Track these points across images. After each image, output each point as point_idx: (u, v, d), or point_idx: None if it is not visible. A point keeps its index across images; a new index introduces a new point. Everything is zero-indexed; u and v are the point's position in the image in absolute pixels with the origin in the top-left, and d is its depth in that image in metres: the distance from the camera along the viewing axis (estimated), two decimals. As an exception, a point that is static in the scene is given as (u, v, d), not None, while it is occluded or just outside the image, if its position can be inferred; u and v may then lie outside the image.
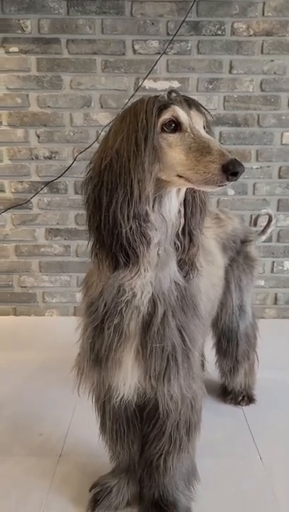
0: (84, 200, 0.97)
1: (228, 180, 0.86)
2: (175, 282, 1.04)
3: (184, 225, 1.01)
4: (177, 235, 1.01)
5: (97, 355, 1.05)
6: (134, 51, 2.53)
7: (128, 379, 1.05)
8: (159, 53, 2.51)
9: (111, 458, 1.29)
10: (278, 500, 1.30)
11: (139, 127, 0.89)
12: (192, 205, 1.01)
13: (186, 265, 1.04)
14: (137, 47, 2.52)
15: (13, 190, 2.69)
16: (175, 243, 1.02)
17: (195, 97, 2.40)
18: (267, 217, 1.79)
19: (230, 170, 0.84)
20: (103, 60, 2.54)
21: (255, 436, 1.60)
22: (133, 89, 2.55)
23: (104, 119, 2.60)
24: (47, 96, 2.58)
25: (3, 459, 1.48)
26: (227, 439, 1.60)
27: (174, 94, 0.94)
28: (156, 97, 0.92)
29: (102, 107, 2.59)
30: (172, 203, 0.98)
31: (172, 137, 0.91)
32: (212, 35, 2.51)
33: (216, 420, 1.70)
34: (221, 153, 0.86)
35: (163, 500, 1.20)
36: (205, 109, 0.97)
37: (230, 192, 2.68)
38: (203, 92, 2.57)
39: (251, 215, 1.99)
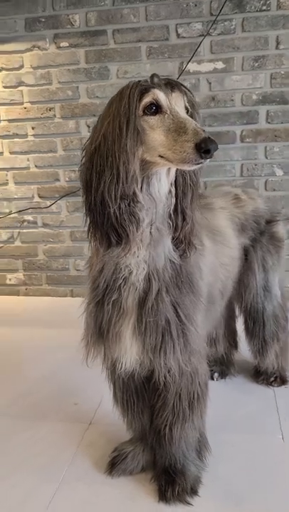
0: (80, 183, 1.04)
1: (202, 158, 0.89)
2: (170, 260, 1.08)
3: (176, 204, 1.05)
4: (170, 215, 1.06)
5: (99, 328, 1.13)
6: (178, 35, 2.54)
7: (128, 351, 1.12)
8: (203, 35, 2.50)
9: (127, 426, 1.37)
10: (291, 479, 1.31)
11: (122, 111, 0.94)
12: (183, 185, 1.05)
13: (183, 244, 1.08)
14: (180, 30, 2.54)
15: (67, 178, 2.85)
16: (169, 222, 1.06)
17: (240, 76, 2.41)
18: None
19: (203, 148, 0.87)
20: (148, 47, 2.59)
21: (281, 416, 1.60)
22: (177, 73, 2.58)
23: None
24: (95, 87, 2.69)
25: (40, 423, 1.63)
26: (252, 417, 1.61)
27: (155, 79, 0.98)
28: (138, 81, 0.97)
29: (147, 93, 2.64)
30: (162, 184, 1.03)
31: (153, 119, 0.95)
32: (257, 11, 2.45)
33: (243, 398, 1.73)
34: (195, 132, 0.89)
35: (172, 468, 1.27)
36: (187, 89, 1.00)
37: (279, 172, 2.62)
38: (248, 70, 2.52)
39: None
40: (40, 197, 2.93)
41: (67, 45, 2.67)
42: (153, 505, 1.23)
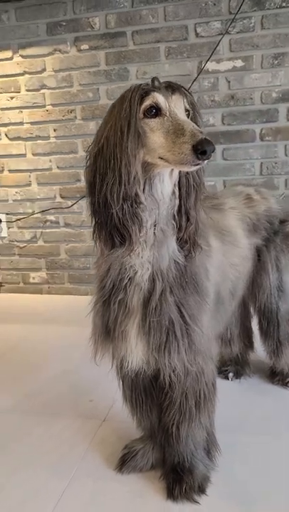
0: (85, 185, 1.06)
1: (199, 160, 0.90)
2: (174, 261, 1.09)
3: (180, 205, 1.06)
4: (174, 215, 1.07)
5: (106, 327, 1.15)
6: (197, 34, 2.54)
7: (133, 351, 1.14)
8: (222, 34, 2.49)
9: (136, 424, 1.39)
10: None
11: (123, 115, 0.96)
12: (186, 185, 1.06)
13: (187, 244, 1.09)
14: (199, 30, 2.54)
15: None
16: (173, 223, 1.07)
17: (259, 74, 2.39)
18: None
19: (199, 149, 0.89)
20: (166, 47, 2.60)
21: (295, 418, 1.59)
22: (196, 72, 2.58)
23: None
24: (115, 88, 2.72)
25: (55, 419, 1.67)
26: (267, 418, 1.61)
27: (156, 82, 0.99)
28: (139, 85, 0.99)
29: (166, 93, 2.65)
30: (165, 185, 1.04)
31: (153, 122, 0.97)
32: (277, 7, 2.42)
33: (258, 399, 1.72)
34: (192, 133, 0.91)
35: (180, 466, 1.28)
36: (187, 91, 1.01)
37: (301, 171, 2.58)
38: (268, 68, 2.50)
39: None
40: (62, 197, 2.98)
41: (88, 47, 2.71)
42: (161, 503, 1.24)
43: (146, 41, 2.62)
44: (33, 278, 3.17)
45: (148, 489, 1.30)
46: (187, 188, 1.06)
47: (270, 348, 1.72)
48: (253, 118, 2.58)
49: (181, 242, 1.10)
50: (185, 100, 0.99)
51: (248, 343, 1.89)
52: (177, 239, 1.09)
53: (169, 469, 1.30)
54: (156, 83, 0.99)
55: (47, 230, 3.07)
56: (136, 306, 1.12)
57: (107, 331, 1.16)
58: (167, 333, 1.10)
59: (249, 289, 1.63)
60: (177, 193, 1.06)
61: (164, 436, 1.30)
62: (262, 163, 2.64)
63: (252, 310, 1.78)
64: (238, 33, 2.49)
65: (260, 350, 1.87)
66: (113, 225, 1.00)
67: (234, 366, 1.88)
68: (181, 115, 0.96)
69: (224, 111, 2.60)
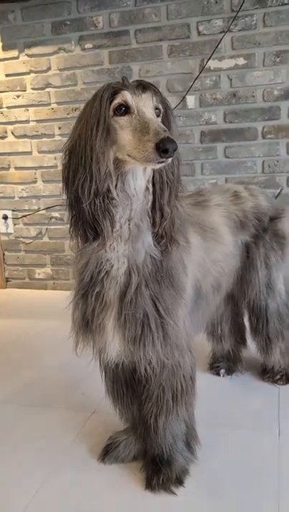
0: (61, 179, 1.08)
1: (162, 158, 0.93)
2: (150, 256, 1.11)
3: (154, 201, 1.08)
4: (148, 211, 1.09)
5: (85, 320, 1.18)
6: (199, 32, 2.55)
7: (111, 343, 1.16)
8: (224, 32, 2.49)
9: (119, 416, 1.42)
10: (280, 476, 1.30)
11: (93, 112, 0.99)
12: (160, 182, 1.07)
13: (164, 239, 1.11)
14: (201, 28, 2.54)
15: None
16: (147, 219, 1.09)
17: (261, 72, 2.39)
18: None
19: (161, 147, 0.91)
20: (169, 46, 2.62)
21: (281, 414, 1.60)
22: (198, 70, 2.58)
23: (171, 103, 2.67)
24: (118, 86, 2.74)
25: (45, 410, 1.71)
26: (251, 413, 1.62)
27: (125, 81, 1.02)
28: (110, 84, 1.01)
29: (169, 91, 2.67)
30: (138, 181, 1.06)
31: (122, 120, 0.99)
32: (279, 5, 2.41)
33: (247, 395, 1.73)
34: (156, 132, 0.93)
35: (160, 457, 1.30)
36: (157, 90, 1.03)
37: (302, 168, 2.57)
38: (270, 66, 2.49)
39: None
40: (66, 194, 3.02)
41: (92, 46, 2.74)
42: (138, 493, 1.27)
43: (149, 40, 2.63)
44: (39, 274, 3.23)
45: (128, 479, 1.33)
46: (161, 185, 1.07)
47: (260, 345, 1.73)
48: (255, 116, 2.58)
49: (158, 238, 1.11)
50: (155, 99, 1.01)
51: (240, 340, 1.90)
52: (153, 234, 1.11)
53: (149, 460, 1.33)
54: (126, 82, 1.01)
55: (52, 227, 3.12)
56: (112, 299, 1.14)
57: (86, 323, 1.18)
58: (142, 326, 1.12)
59: (238, 286, 1.64)
60: (151, 189, 1.08)
61: (144, 428, 1.32)
62: (264, 161, 2.63)
63: (243, 306, 1.79)
64: (240, 30, 2.49)
65: (253, 347, 1.88)
66: (85, 220, 1.03)
67: (226, 362, 1.89)
68: (149, 114, 0.98)
69: (226, 109, 2.61)
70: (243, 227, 1.51)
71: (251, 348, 1.90)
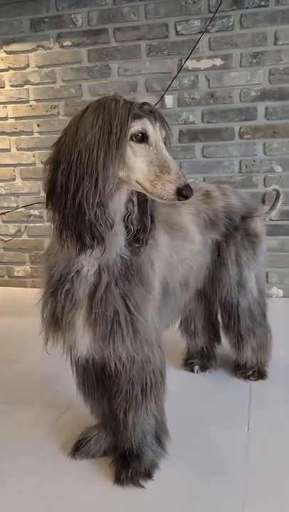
0: (46, 180, 1.05)
1: (179, 200, 0.99)
2: (120, 256, 1.14)
3: (145, 210, 1.13)
4: (140, 219, 1.13)
5: (54, 317, 1.19)
6: (177, 32, 2.57)
7: (80, 340, 1.18)
8: (201, 32, 2.51)
9: (90, 411, 1.43)
10: (248, 470, 1.33)
11: (112, 131, 0.97)
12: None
13: (143, 243, 1.14)
14: (179, 28, 2.56)
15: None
16: (127, 226, 1.13)
17: (238, 73, 2.42)
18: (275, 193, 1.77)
19: (184, 194, 0.97)
20: (147, 45, 2.63)
21: (252, 409, 1.63)
22: (176, 70, 2.60)
23: (150, 102, 2.69)
24: (97, 84, 2.76)
25: (19, 406, 1.72)
26: (223, 409, 1.64)
27: (146, 107, 1.02)
28: (130, 103, 1.01)
29: (147, 90, 2.69)
30: (122, 195, 1.09)
31: (138, 147, 1.01)
32: (255, 6, 2.45)
33: (219, 391, 1.76)
34: (178, 176, 0.98)
35: (129, 452, 1.31)
36: (167, 123, 1.06)
37: (278, 169, 2.61)
38: (247, 67, 2.52)
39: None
40: (45, 192, 3.01)
41: (70, 44, 2.74)
42: (107, 487, 1.29)
43: (128, 38, 2.64)
44: (18, 272, 3.22)
45: (98, 474, 1.34)
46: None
47: (232, 342, 1.77)
48: (232, 116, 2.61)
49: (135, 241, 1.14)
50: (165, 131, 1.04)
51: (214, 337, 1.92)
52: (138, 240, 1.14)
53: (118, 455, 1.34)
54: (145, 107, 1.02)
55: (31, 225, 3.11)
56: (82, 298, 1.16)
57: (56, 320, 1.19)
58: (112, 323, 1.14)
59: (210, 284, 1.66)
60: (135, 200, 1.11)
61: (114, 423, 1.34)
62: (241, 161, 2.67)
63: (216, 304, 1.81)
64: (217, 31, 2.51)
65: (227, 344, 1.91)
66: (85, 228, 1.01)
67: (200, 359, 1.92)
68: (164, 149, 1.02)
69: (204, 109, 2.63)
70: (213, 226, 1.54)
71: (225, 344, 1.93)
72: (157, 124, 1.02)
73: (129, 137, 0.99)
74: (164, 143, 1.04)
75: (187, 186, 0.98)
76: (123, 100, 1.01)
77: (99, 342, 1.16)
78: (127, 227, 1.13)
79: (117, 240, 1.12)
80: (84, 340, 1.18)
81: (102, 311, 1.13)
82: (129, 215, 1.13)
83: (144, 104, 1.03)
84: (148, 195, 1.04)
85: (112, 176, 0.99)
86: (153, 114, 1.02)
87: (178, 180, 0.98)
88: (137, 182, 1.02)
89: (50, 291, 1.18)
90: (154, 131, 1.01)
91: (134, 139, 1.00)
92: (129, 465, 1.29)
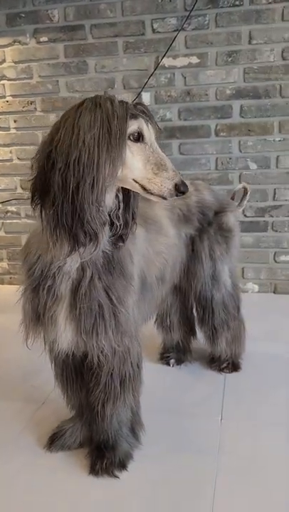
0: (34, 177, 1.04)
1: (177, 196, 1.03)
2: (102, 251, 1.16)
3: (127, 204, 1.16)
4: (122, 215, 1.16)
5: (36, 313, 1.20)
6: (153, 30, 2.59)
7: (62, 334, 1.20)
8: (178, 30, 2.54)
9: (67, 403, 1.45)
10: (219, 459, 1.36)
11: (112, 131, 0.98)
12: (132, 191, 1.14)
13: (122, 238, 1.17)
14: (155, 26, 2.58)
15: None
16: (112, 222, 1.14)
17: (214, 71, 2.44)
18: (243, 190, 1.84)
19: (181, 190, 1.02)
20: (124, 42, 2.64)
21: (225, 400, 1.67)
22: (153, 67, 2.62)
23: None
24: (74, 81, 2.75)
25: (-4, 402, 1.72)
26: (197, 400, 1.68)
27: (139, 106, 1.05)
28: (125, 103, 1.02)
29: (124, 87, 2.70)
30: (112, 193, 1.11)
31: (135, 146, 1.04)
32: (230, 6, 2.48)
33: (194, 384, 1.79)
34: (174, 172, 1.03)
35: (104, 443, 1.34)
36: (156, 123, 1.10)
37: (253, 166, 2.65)
38: (222, 65, 2.56)
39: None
40: (22, 188, 3.00)
41: (47, 39, 2.73)
42: (81, 478, 1.31)
43: (105, 35, 2.65)
44: (-5, 268, 3.19)
45: (73, 466, 1.36)
46: (134, 192, 1.14)
47: (207, 335, 1.80)
48: (208, 114, 2.64)
49: (118, 237, 1.16)
50: (156, 129, 1.08)
51: (189, 331, 1.95)
52: (122, 235, 1.16)
53: (94, 446, 1.37)
54: (139, 107, 1.05)
55: (8, 221, 3.09)
56: (64, 293, 1.17)
57: (37, 316, 1.20)
58: (96, 317, 1.16)
59: (185, 278, 1.69)
60: (121, 197, 1.14)
61: (90, 414, 1.36)
62: (217, 158, 2.70)
63: (191, 298, 1.84)
64: (193, 29, 2.54)
65: (202, 338, 1.94)
66: (81, 226, 1.02)
67: (176, 353, 1.95)
68: (158, 148, 1.06)
69: (180, 106, 2.66)
70: (186, 220, 1.57)
71: (200, 339, 1.96)
72: (150, 124, 1.06)
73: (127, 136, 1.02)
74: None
75: (183, 182, 1.03)
76: (117, 100, 1.03)
77: (82, 335, 1.18)
78: (112, 223, 1.15)
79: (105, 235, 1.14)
80: (65, 334, 1.20)
81: (88, 304, 1.15)
82: (114, 211, 1.15)
83: (138, 104, 1.07)
84: (142, 192, 1.07)
85: (112, 176, 1.01)
86: (146, 113, 1.06)
87: (175, 177, 1.03)
88: (134, 180, 1.06)
89: (32, 287, 1.19)
90: (148, 130, 1.05)
91: (132, 139, 1.04)
92: (104, 456, 1.31)
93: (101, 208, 1.04)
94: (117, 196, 1.14)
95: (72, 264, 1.14)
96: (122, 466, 1.32)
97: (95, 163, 0.98)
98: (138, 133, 1.04)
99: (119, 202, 1.15)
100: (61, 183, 0.99)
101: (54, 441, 1.42)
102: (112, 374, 1.27)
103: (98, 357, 1.22)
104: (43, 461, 1.38)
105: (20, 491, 1.28)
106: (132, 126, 1.02)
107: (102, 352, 1.21)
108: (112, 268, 1.18)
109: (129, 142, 1.03)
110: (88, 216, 1.01)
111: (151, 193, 1.06)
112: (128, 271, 1.22)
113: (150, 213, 1.42)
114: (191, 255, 1.63)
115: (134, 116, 1.03)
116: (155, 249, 1.41)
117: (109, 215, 1.14)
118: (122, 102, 1.03)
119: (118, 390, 1.28)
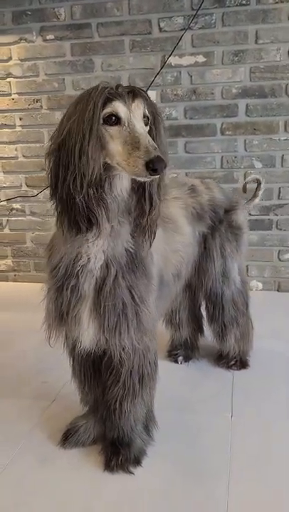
0: (47, 171, 1.07)
1: (151, 175, 0.97)
2: (126, 248, 1.17)
3: (144, 191, 1.11)
4: (137, 202, 1.13)
5: (59, 312, 1.21)
6: (160, 29, 2.60)
7: (85, 333, 1.21)
8: (184, 29, 2.55)
9: (81, 399, 1.46)
10: (232, 456, 1.38)
11: (86, 117, 0.99)
12: None
13: (146, 232, 1.15)
14: (162, 24, 2.59)
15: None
16: (134, 211, 1.13)
17: (220, 70, 2.45)
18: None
19: (151, 167, 0.95)
20: (131, 41, 2.65)
21: (234, 397, 1.68)
22: (160, 66, 2.63)
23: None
24: (80, 79, 2.76)
25: (5, 398, 1.73)
26: (206, 397, 1.69)
27: (119, 89, 1.03)
28: (104, 88, 1.01)
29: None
30: (123, 183, 1.10)
31: (113, 129, 1.01)
32: (237, 5, 2.49)
33: (202, 381, 1.81)
34: (146, 149, 0.96)
35: (119, 440, 1.35)
36: (148, 98, 1.06)
37: (258, 165, 2.67)
38: (228, 64, 2.57)
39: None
40: (28, 186, 3.01)
41: (53, 37, 2.73)
42: (96, 474, 1.32)
43: (111, 34, 2.65)
44: (-1, 266, 3.20)
45: (87, 462, 1.37)
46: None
47: (216, 332, 1.82)
48: (214, 113, 2.65)
49: (141, 230, 1.15)
50: (145, 106, 1.04)
51: (197, 328, 1.97)
52: (138, 226, 1.15)
53: (108, 443, 1.38)
54: (119, 89, 1.02)
55: (13, 219, 3.09)
56: (88, 291, 1.18)
57: (61, 315, 1.21)
58: (119, 315, 1.17)
59: (196, 276, 1.71)
60: (136, 188, 1.12)
61: (106, 411, 1.37)
62: (222, 156, 2.72)
63: (200, 295, 1.86)
64: (200, 28, 2.55)
65: (209, 335, 1.96)
66: (78, 211, 1.04)
67: (184, 350, 1.96)
68: (139, 126, 1.01)
69: (186, 105, 2.67)
70: (200, 218, 1.58)
71: (207, 336, 1.98)
72: (134, 102, 1.02)
73: (102, 121, 1.00)
74: (147, 119, 1.05)
75: (156, 158, 0.94)
76: (101, 86, 1.02)
77: (105, 333, 1.19)
78: (130, 213, 1.14)
79: (122, 230, 1.15)
80: (88, 333, 1.21)
81: (112, 302, 1.16)
82: (132, 200, 1.13)
83: (118, 86, 1.03)
84: (128, 175, 1.05)
85: (91, 162, 1.00)
86: (130, 92, 1.02)
87: (146, 154, 0.95)
88: (118, 164, 1.03)
89: (56, 286, 1.20)
90: (127, 111, 1.01)
91: (108, 122, 1.01)
92: (120, 452, 1.33)
93: (100, 190, 1.04)
94: (133, 188, 1.12)
95: (96, 261, 1.15)
96: (137, 462, 1.33)
97: (75, 150, 0.99)
98: (114, 116, 1.00)
99: (133, 192, 1.13)
100: (55, 172, 1.03)
101: (68, 437, 1.43)
102: (131, 372, 1.28)
103: (120, 355, 1.24)
104: (56, 458, 1.39)
105: (34, 487, 1.29)
106: (106, 109, 1.00)
107: (123, 350, 1.23)
108: (135, 267, 1.19)
109: (106, 127, 1.01)
110: (85, 198, 1.02)
111: (131, 174, 1.03)
112: (149, 270, 1.24)
113: (166, 212, 1.43)
114: (202, 253, 1.65)
115: (109, 100, 1.00)
116: (172, 248, 1.42)
117: (135, 206, 1.13)
118: (103, 87, 1.01)
119: (137, 388, 1.30)
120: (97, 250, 1.14)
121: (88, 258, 1.15)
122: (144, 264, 1.22)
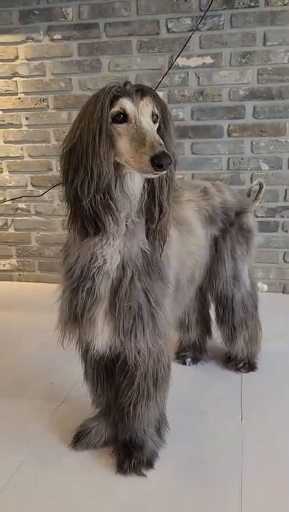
0: (60, 175, 1.09)
1: (156, 171, 0.96)
2: (142, 250, 1.16)
3: (153, 198, 1.11)
4: (146, 208, 1.12)
5: (74, 314, 1.21)
6: (168, 30, 2.59)
7: (100, 335, 1.21)
8: (192, 30, 2.54)
9: (92, 402, 1.46)
10: (243, 459, 1.38)
11: (95, 118, 0.99)
12: (159, 180, 1.09)
13: (157, 236, 1.15)
14: (170, 25, 2.58)
15: (59, 168, 2.91)
16: (144, 215, 1.13)
17: (228, 71, 2.45)
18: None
19: (156, 163, 0.94)
20: (138, 41, 2.64)
21: (244, 400, 1.68)
22: (167, 67, 2.63)
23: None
24: (87, 79, 2.75)
25: (15, 400, 1.73)
26: (215, 400, 1.69)
27: (127, 86, 1.03)
28: (111, 87, 1.02)
29: (138, 86, 2.70)
30: (135, 182, 1.09)
31: (121, 127, 1.02)
32: (245, 7, 2.48)
33: (211, 383, 1.81)
34: (151, 145, 0.96)
35: (132, 442, 1.36)
36: (156, 95, 1.05)
37: (265, 167, 2.67)
38: (236, 66, 2.57)
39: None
40: (33, 186, 3.00)
41: (61, 37, 2.72)
42: (108, 476, 1.32)
43: (119, 34, 2.65)
44: (4, 265, 3.19)
45: (98, 464, 1.38)
46: (160, 182, 1.10)
47: (226, 334, 1.82)
48: (221, 114, 2.65)
49: (151, 235, 1.15)
50: (154, 105, 1.03)
51: (206, 330, 1.97)
52: (148, 230, 1.14)
53: (120, 445, 1.38)
54: (127, 87, 1.03)
55: (18, 218, 3.09)
56: (103, 293, 1.18)
57: (75, 317, 1.21)
58: (134, 317, 1.17)
59: (207, 278, 1.71)
60: (148, 188, 1.11)
61: (118, 414, 1.37)
62: (229, 158, 2.72)
63: (209, 298, 1.86)
64: (208, 30, 2.55)
65: (218, 337, 1.96)
66: (85, 216, 1.04)
67: (192, 352, 1.96)
68: (146, 123, 1.01)
69: (193, 106, 2.67)
70: (212, 221, 1.58)
71: (216, 338, 1.98)
72: (142, 100, 1.02)
73: (111, 119, 1.01)
74: (156, 117, 1.04)
75: (160, 155, 0.94)
76: (109, 86, 1.02)
77: (120, 336, 1.19)
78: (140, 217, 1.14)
79: (138, 230, 1.14)
80: (102, 335, 1.21)
81: (128, 304, 1.16)
82: (142, 203, 1.13)
83: (126, 83, 1.03)
84: (136, 172, 1.04)
85: (104, 163, 1.00)
86: (138, 90, 1.02)
87: (151, 150, 0.95)
88: (126, 162, 1.03)
89: (71, 288, 1.20)
90: (134, 108, 1.01)
91: (116, 121, 1.01)
92: (132, 455, 1.33)
93: (107, 196, 1.03)
94: (144, 188, 1.12)
95: (112, 262, 1.15)
96: (150, 464, 1.33)
97: (86, 152, 1.00)
98: (122, 114, 1.00)
99: (145, 193, 1.12)
100: (66, 173, 1.05)
101: (79, 439, 1.43)
102: (146, 375, 1.28)
103: (135, 358, 1.23)
104: (68, 460, 1.40)
105: (45, 488, 1.29)
106: (114, 108, 1.00)
107: (138, 353, 1.23)
108: (151, 270, 1.19)
109: (114, 125, 1.01)
110: (91, 204, 1.02)
111: (138, 171, 1.02)
112: (166, 273, 1.24)
113: (180, 214, 1.43)
114: (214, 255, 1.65)
115: (117, 98, 1.00)
116: (187, 250, 1.42)
117: (146, 209, 1.12)
118: (109, 87, 1.01)
119: (151, 391, 1.30)
120: (113, 251, 1.14)
121: (104, 260, 1.15)
122: (159, 267, 1.22)
